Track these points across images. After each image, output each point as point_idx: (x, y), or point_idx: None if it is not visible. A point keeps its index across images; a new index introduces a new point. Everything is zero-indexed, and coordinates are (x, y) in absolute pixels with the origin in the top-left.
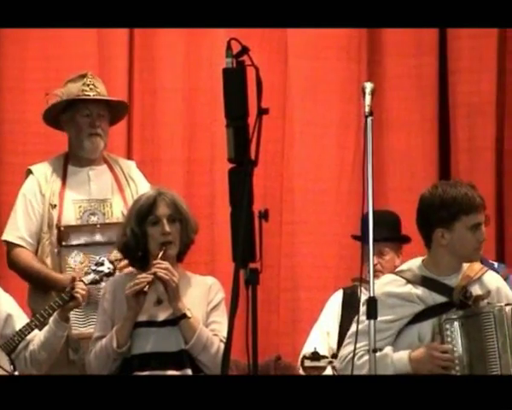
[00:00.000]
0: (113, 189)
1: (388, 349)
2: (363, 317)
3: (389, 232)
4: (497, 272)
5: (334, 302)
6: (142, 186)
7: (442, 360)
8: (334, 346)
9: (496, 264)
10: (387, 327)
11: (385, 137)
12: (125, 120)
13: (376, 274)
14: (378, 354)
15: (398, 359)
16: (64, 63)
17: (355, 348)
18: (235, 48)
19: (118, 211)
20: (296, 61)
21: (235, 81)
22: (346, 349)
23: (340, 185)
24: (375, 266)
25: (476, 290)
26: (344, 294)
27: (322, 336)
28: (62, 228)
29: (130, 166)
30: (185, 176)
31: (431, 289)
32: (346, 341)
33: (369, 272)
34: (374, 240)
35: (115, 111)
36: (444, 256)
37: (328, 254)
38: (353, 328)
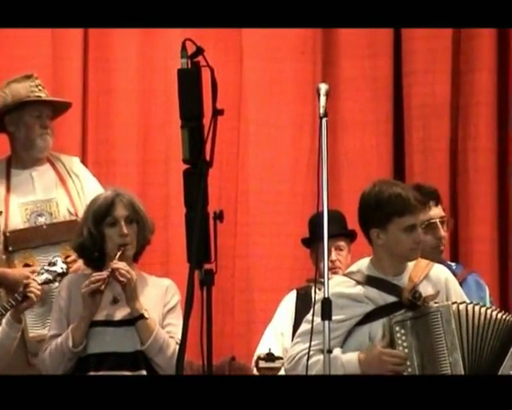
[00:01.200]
0: (56, 185)
1: (337, 351)
2: (312, 317)
3: (341, 228)
4: (455, 274)
5: (288, 303)
6: (87, 181)
7: (391, 365)
8: (288, 346)
9: (454, 265)
10: (337, 327)
11: (339, 139)
12: (79, 121)
13: (336, 271)
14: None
15: (347, 360)
16: (17, 63)
17: (310, 347)
18: (190, 48)
19: (64, 208)
20: (251, 61)
21: (189, 82)
22: (295, 349)
23: (295, 186)
24: (334, 262)
25: (425, 287)
26: (297, 294)
27: (276, 337)
28: (8, 234)
29: (73, 162)
30: (140, 177)
31: (381, 289)
32: (295, 340)
33: (320, 271)
34: (330, 236)
35: (57, 110)
36: (383, 256)
37: (282, 255)
38: (302, 327)
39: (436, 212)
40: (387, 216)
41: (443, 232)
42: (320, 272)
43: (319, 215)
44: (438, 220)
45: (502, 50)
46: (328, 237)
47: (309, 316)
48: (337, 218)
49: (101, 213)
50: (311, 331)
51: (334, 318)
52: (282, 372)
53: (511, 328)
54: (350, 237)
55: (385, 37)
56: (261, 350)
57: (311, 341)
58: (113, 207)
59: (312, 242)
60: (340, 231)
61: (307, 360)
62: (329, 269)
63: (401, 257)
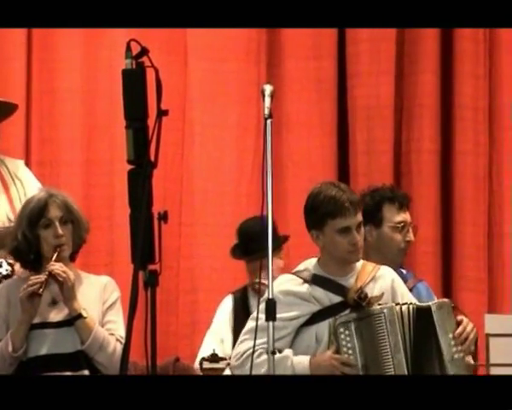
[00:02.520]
0: None
1: (289, 352)
2: (260, 314)
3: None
4: (406, 281)
5: (225, 309)
6: (30, 186)
7: (340, 371)
8: (229, 352)
9: (404, 271)
10: (284, 325)
11: (284, 140)
12: (23, 121)
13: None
14: (278, 355)
15: (298, 362)
16: None
17: (254, 346)
18: (135, 49)
19: (3, 214)
20: (196, 62)
21: (134, 82)
22: (243, 346)
23: (240, 187)
24: (260, 283)
25: (372, 289)
26: (234, 298)
27: (216, 344)
28: None
29: (18, 166)
30: (84, 177)
31: (327, 289)
32: (242, 337)
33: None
34: (254, 258)
35: (2, 113)
36: (326, 256)
37: (227, 255)
38: (249, 325)
39: (408, 217)
40: (322, 218)
41: (413, 238)
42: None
43: (248, 226)
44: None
45: (445, 52)
46: (258, 258)
47: (255, 313)
48: (260, 232)
49: (34, 216)
50: (256, 329)
51: (282, 315)
52: (226, 373)
53: (422, 315)
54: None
55: (329, 38)
56: (203, 355)
57: (255, 339)
58: (46, 208)
59: (247, 255)
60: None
61: (251, 359)
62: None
63: (341, 259)
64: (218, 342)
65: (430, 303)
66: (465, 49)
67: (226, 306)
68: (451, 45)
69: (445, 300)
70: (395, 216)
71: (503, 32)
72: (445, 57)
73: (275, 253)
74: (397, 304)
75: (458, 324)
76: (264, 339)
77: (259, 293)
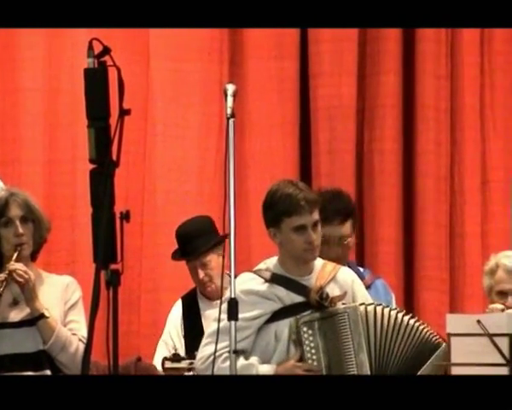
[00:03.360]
0: None
1: (254, 359)
2: (223, 315)
3: (204, 241)
4: (363, 278)
5: (175, 317)
6: None
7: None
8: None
9: (362, 269)
10: (248, 325)
11: (246, 139)
12: None
13: (207, 286)
14: (244, 362)
15: (263, 371)
16: None
17: (215, 350)
18: (97, 48)
19: None
20: (158, 61)
21: (96, 81)
22: (207, 350)
23: (202, 187)
24: (202, 280)
25: (332, 289)
26: (183, 303)
27: (168, 353)
28: None
29: None
30: (46, 177)
31: (288, 288)
32: (206, 340)
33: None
34: (196, 255)
35: None
36: (285, 255)
37: None
38: (212, 327)
39: (340, 231)
40: (278, 216)
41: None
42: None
43: (185, 229)
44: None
45: (407, 53)
46: (193, 258)
47: (218, 315)
48: (200, 230)
49: None
50: (217, 332)
51: (245, 315)
52: (187, 372)
53: (430, 343)
54: (215, 246)
55: (291, 38)
56: (155, 363)
57: (217, 342)
58: (7, 207)
59: (186, 256)
60: (198, 251)
61: (213, 362)
62: (203, 285)
63: (297, 257)
64: (171, 350)
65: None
66: (427, 50)
67: (175, 312)
68: (413, 46)
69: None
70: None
71: (465, 33)
72: (407, 58)
73: (215, 252)
74: (361, 304)
75: None
76: (228, 342)
77: (206, 297)
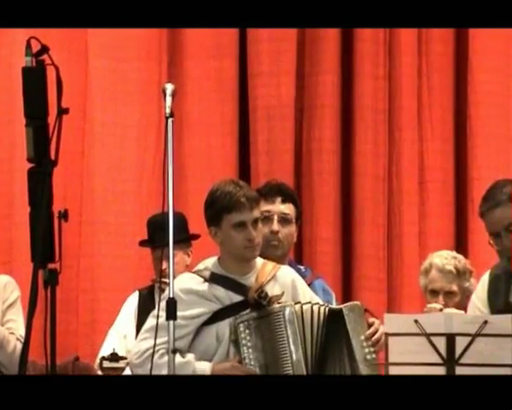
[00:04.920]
0: None
1: (191, 357)
2: (161, 312)
3: (177, 234)
4: (304, 277)
5: (130, 305)
6: None
7: None
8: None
9: (303, 268)
10: (186, 324)
11: (185, 139)
12: None
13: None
14: (182, 360)
15: (200, 369)
16: None
17: (155, 345)
18: (35, 47)
19: None
20: (96, 61)
21: (34, 80)
22: (144, 344)
23: (141, 186)
24: (164, 271)
25: (272, 288)
26: (139, 295)
27: (119, 339)
28: None
29: None
30: None
31: (227, 288)
32: (143, 335)
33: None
34: (162, 245)
35: None
36: (225, 254)
37: (127, 254)
38: (150, 322)
39: (279, 207)
40: (218, 213)
41: (277, 227)
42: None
43: (157, 217)
44: (276, 215)
45: (345, 53)
46: (161, 246)
47: (155, 311)
48: (174, 223)
49: None
50: (157, 327)
51: (184, 313)
52: (126, 372)
53: (333, 317)
54: (185, 241)
55: (230, 38)
56: (104, 352)
57: (156, 337)
58: None
59: (151, 245)
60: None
61: (152, 357)
62: (164, 277)
63: (237, 255)
64: (121, 337)
65: (342, 306)
66: (365, 50)
67: (131, 302)
68: (352, 46)
69: (356, 302)
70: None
71: (403, 33)
72: (346, 58)
73: (182, 248)
74: (297, 303)
75: (370, 325)
76: (166, 338)
77: (162, 291)
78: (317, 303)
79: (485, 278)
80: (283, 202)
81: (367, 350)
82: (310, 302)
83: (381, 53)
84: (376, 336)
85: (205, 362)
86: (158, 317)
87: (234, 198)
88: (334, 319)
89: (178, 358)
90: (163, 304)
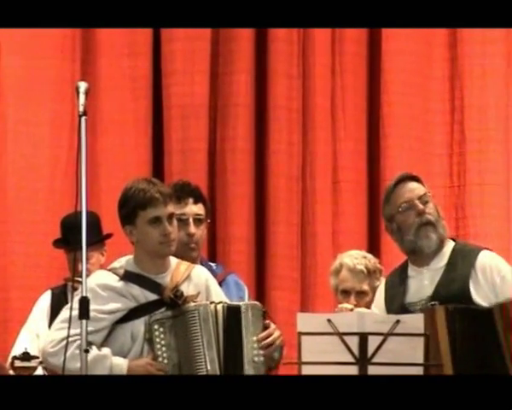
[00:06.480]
0: None
1: (107, 351)
2: (75, 304)
3: (92, 235)
4: (216, 275)
5: (43, 304)
6: None
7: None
8: None
9: (214, 266)
10: (102, 318)
11: (99, 138)
12: None
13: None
14: (98, 353)
15: (116, 364)
16: None
17: (68, 336)
18: None
19: None
20: (9, 58)
21: None
22: (59, 334)
23: (54, 185)
24: (81, 271)
25: (187, 288)
26: (52, 294)
27: (31, 339)
28: None
29: None
30: None
31: (143, 286)
32: (58, 325)
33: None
34: (75, 247)
35: None
36: (141, 252)
37: (40, 253)
38: (64, 314)
39: (193, 209)
40: (133, 210)
41: (193, 229)
42: (78, 274)
43: (71, 218)
44: (191, 217)
45: (259, 53)
46: (76, 249)
47: (70, 303)
48: (87, 224)
49: None
50: (70, 320)
51: (100, 307)
52: (38, 372)
53: (232, 314)
54: (99, 242)
55: (144, 37)
56: (16, 352)
57: (69, 328)
58: None
59: (66, 244)
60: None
61: (66, 347)
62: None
63: (153, 252)
64: (33, 337)
65: (241, 303)
66: (279, 50)
67: (43, 301)
68: (266, 46)
69: (256, 303)
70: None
71: (316, 33)
72: (260, 57)
73: (97, 248)
74: (211, 302)
75: (266, 328)
76: (79, 330)
77: (75, 290)
78: (225, 302)
79: (382, 286)
80: (195, 202)
81: (256, 352)
82: (223, 302)
83: (294, 53)
84: (268, 341)
85: (121, 358)
86: (71, 309)
87: (148, 194)
88: (234, 316)
89: (95, 350)
90: (77, 298)
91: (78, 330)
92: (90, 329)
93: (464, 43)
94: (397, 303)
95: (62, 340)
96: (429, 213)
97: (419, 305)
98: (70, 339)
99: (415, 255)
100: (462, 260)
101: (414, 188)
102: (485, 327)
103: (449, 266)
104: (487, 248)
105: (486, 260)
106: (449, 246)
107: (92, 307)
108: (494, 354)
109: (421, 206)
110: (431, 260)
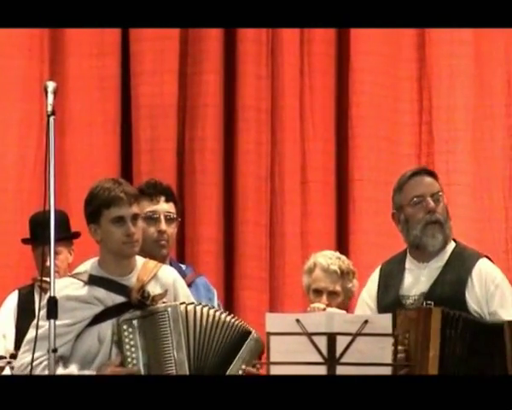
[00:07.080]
0: None
1: (74, 368)
2: (41, 322)
3: (60, 232)
4: (185, 276)
5: (10, 304)
6: None
7: None
8: (11, 348)
9: (184, 266)
10: (67, 331)
11: (67, 137)
12: None
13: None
14: (63, 371)
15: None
16: None
17: (33, 359)
18: None
19: None
20: None
21: None
22: (26, 358)
23: (21, 184)
24: (49, 267)
25: (154, 288)
26: (19, 294)
27: None
28: None
29: None
30: None
31: (109, 289)
32: (24, 348)
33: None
34: (43, 243)
35: None
36: (105, 253)
37: (8, 252)
38: (31, 333)
39: (164, 207)
40: (97, 209)
41: (164, 226)
42: (43, 275)
43: (39, 215)
44: (162, 215)
45: (228, 53)
46: (44, 243)
47: (36, 321)
48: (57, 221)
49: None
50: (35, 339)
51: (63, 322)
52: (6, 372)
53: (241, 333)
54: (69, 239)
55: (113, 36)
56: None
57: (34, 347)
58: None
59: (33, 242)
60: (56, 237)
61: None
62: (47, 274)
63: (117, 252)
64: (0, 337)
65: (253, 331)
66: (248, 50)
67: (10, 302)
68: (234, 46)
69: (262, 340)
70: (146, 208)
71: (285, 33)
72: (229, 57)
73: (65, 244)
74: (182, 303)
75: (253, 366)
76: (46, 350)
77: (44, 291)
78: (201, 304)
79: (376, 274)
80: (167, 201)
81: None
82: (193, 303)
83: (263, 53)
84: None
85: (86, 371)
86: (37, 327)
87: (112, 193)
88: (241, 335)
89: (60, 370)
90: (43, 313)
91: (43, 352)
92: (58, 343)
93: (432, 43)
94: (391, 293)
95: (28, 365)
96: (439, 213)
97: (411, 299)
98: (35, 363)
99: (417, 250)
100: (461, 264)
101: (429, 183)
102: (492, 341)
103: (447, 267)
104: (487, 256)
105: (484, 267)
106: (449, 247)
107: (58, 322)
108: (498, 370)
109: (432, 203)
110: (432, 258)
